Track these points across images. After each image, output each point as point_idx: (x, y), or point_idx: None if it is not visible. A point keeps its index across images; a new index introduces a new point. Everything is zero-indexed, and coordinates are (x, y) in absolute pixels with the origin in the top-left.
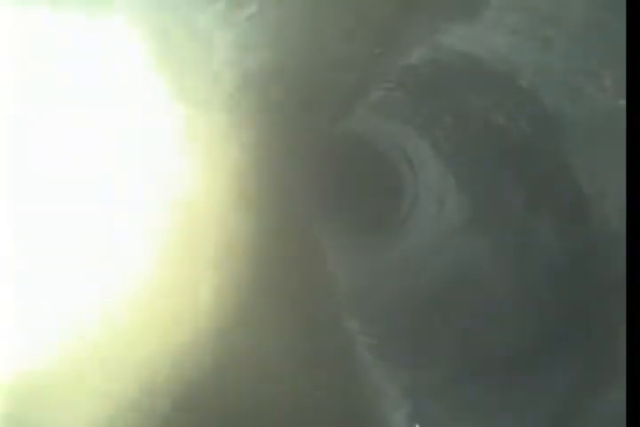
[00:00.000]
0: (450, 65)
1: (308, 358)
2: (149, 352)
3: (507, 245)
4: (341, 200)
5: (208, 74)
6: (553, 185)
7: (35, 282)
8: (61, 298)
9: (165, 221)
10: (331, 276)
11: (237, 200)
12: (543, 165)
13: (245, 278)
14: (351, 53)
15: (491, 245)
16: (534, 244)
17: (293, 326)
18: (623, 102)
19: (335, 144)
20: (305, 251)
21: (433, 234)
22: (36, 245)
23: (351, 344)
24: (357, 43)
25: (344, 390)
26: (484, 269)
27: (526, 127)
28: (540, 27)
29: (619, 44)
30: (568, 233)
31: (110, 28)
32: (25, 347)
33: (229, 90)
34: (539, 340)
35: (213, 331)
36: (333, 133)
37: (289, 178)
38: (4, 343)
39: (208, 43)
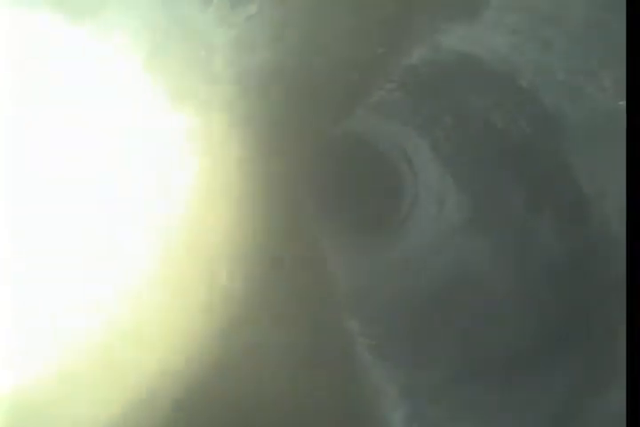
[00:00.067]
0: (450, 65)
1: (308, 358)
2: (149, 353)
3: (507, 245)
4: (341, 200)
5: (208, 74)
6: (553, 185)
7: (34, 282)
8: (61, 298)
9: (165, 221)
10: (331, 276)
11: (237, 200)
12: (543, 165)
13: (245, 278)
14: (352, 53)
15: (491, 245)
16: (534, 244)
17: (294, 325)
18: (623, 102)
19: (335, 144)
20: (305, 251)
21: (433, 234)
22: (35, 246)
23: (351, 344)
24: (358, 43)
25: (344, 390)
26: (483, 270)
27: (526, 127)
28: (540, 27)
29: (619, 44)
30: (568, 233)
31: (110, 28)
32: (23, 348)
33: (229, 90)
34: (539, 340)
35: (214, 331)
36: (333, 133)
37: (289, 178)
38: (2, 344)
39: (208, 43)
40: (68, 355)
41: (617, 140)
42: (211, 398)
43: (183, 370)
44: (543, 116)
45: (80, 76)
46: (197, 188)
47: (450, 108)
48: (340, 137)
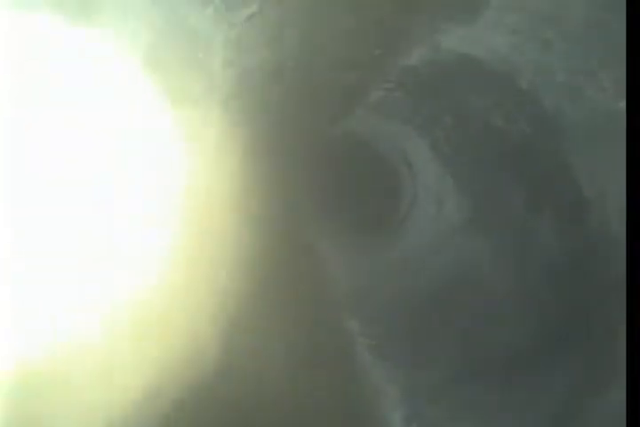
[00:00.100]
0: (450, 65)
1: (308, 358)
2: (150, 353)
3: (507, 246)
4: (341, 200)
5: (207, 74)
6: (553, 185)
7: (34, 283)
8: (61, 298)
9: (165, 221)
10: (330, 276)
11: (237, 200)
12: (543, 166)
13: (245, 279)
14: (349, 54)
15: (490, 246)
16: (534, 244)
17: (294, 326)
18: (623, 103)
19: (335, 144)
20: (305, 251)
21: (432, 234)
22: (35, 247)
23: (351, 344)
24: (357, 43)
25: (344, 390)
26: (483, 270)
27: (526, 128)
28: (540, 27)
29: (619, 44)
30: (568, 233)
31: (109, 28)
32: (23, 348)
33: (228, 90)
34: (539, 340)
35: (214, 331)
36: (333, 133)
37: (289, 178)
38: (3, 344)
39: (207, 43)
40: (67, 355)
41: (617, 140)
42: (211, 398)
43: (183, 370)
44: (543, 117)
45: (79, 77)
46: (196, 188)
47: (450, 108)
48: (340, 137)
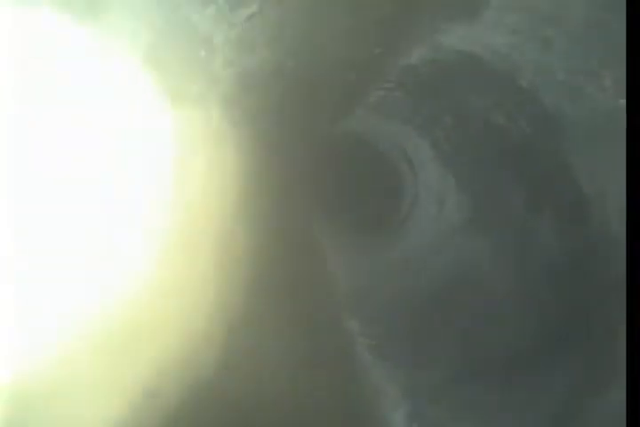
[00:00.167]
0: (450, 65)
1: (308, 358)
2: (149, 353)
3: (507, 245)
4: (341, 200)
5: (207, 74)
6: (553, 185)
7: (35, 282)
8: (61, 298)
9: (165, 221)
10: (331, 276)
11: (237, 200)
12: (543, 165)
13: (245, 279)
14: (351, 53)
15: (491, 245)
16: (534, 244)
17: (293, 326)
18: (623, 102)
19: (335, 144)
20: (305, 251)
21: (433, 234)
22: (36, 246)
23: (351, 344)
24: (357, 43)
25: (344, 390)
26: (483, 270)
27: (526, 127)
28: (540, 27)
29: (619, 44)
30: (568, 233)
31: (110, 28)
32: (25, 347)
33: (229, 90)
34: (539, 340)
35: (214, 331)
36: (333, 133)
37: (289, 178)
38: (4, 343)
39: (208, 43)
40: (68, 354)
41: (617, 140)
42: (211, 398)
43: (183, 371)
44: (543, 116)
45: (81, 76)
46: (197, 188)
47: (450, 108)
48: (340, 137)
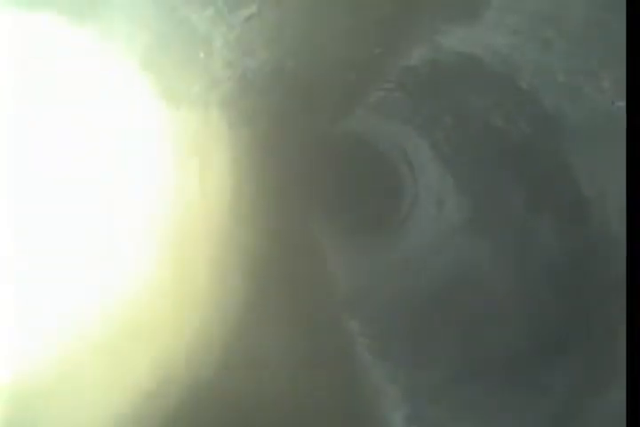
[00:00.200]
0: (450, 65)
1: (308, 358)
2: (149, 353)
3: (507, 245)
4: (341, 200)
5: (207, 75)
6: (553, 185)
7: (35, 282)
8: (61, 298)
9: (164, 221)
10: (331, 276)
11: (237, 200)
12: (543, 166)
13: (245, 279)
14: (351, 53)
15: (491, 245)
16: (534, 244)
17: (293, 326)
18: (623, 103)
19: (335, 144)
20: (305, 251)
21: (433, 234)
22: (36, 246)
23: (351, 344)
24: (357, 43)
25: (344, 390)
26: (483, 269)
27: (526, 128)
28: (540, 27)
29: (619, 44)
30: (568, 233)
31: (109, 29)
32: (25, 347)
33: (228, 90)
34: (539, 340)
35: (213, 331)
36: (333, 133)
37: (289, 178)
38: (4, 343)
39: (207, 43)
40: (68, 354)
41: (617, 140)
42: (211, 398)
43: (184, 371)
44: (543, 117)
45: (80, 77)
46: (196, 188)
47: (450, 108)
48: (340, 137)
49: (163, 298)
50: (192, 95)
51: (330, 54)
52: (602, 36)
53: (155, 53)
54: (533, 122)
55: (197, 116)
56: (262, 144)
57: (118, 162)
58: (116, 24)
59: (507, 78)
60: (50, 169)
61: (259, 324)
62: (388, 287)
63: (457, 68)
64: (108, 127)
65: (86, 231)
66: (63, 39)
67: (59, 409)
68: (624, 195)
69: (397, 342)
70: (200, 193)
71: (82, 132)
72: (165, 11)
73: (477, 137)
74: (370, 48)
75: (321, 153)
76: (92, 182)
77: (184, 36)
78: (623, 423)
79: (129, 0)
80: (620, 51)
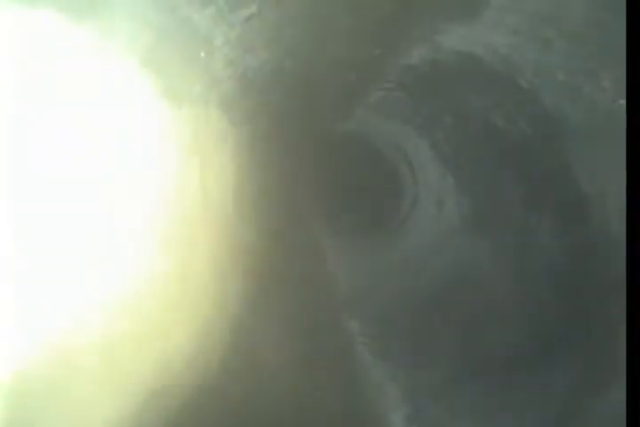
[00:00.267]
0: (450, 65)
1: (308, 358)
2: (149, 353)
3: (507, 245)
4: (341, 200)
5: (207, 74)
6: (553, 185)
7: (35, 282)
8: (61, 298)
9: (164, 221)
10: (331, 276)
11: (237, 200)
12: (543, 166)
13: (245, 279)
14: (351, 53)
15: (491, 245)
16: (534, 244)
17: (294, 326)
18: (623, 102)
19: (335, 144)
20: (305, 251)
21: (433, 234)
22: (36, 246)
23: (351, 344)
24: (357, 43)
25: (344, 390)
26: (483, 269)
27: (526, 127)
28: (540, 27)
29: (619, 44)
30: (568, 233)
31: (110, 27)
32: (25, 347)
33: (229, 90)
34: (539, 340)
35: (214, 331)
36: (333, 133)
37: (289, 178)
38: (4, 343)
39: (208, 43)
40: (68, 354)
41: (617, 140)
42: (212, 398)
43: (184, 371)
44: (543, 117)
45: (80, 76)
46: (196, 188)
47: (450, 108)
48: (340, 137)
49: (163, 298)
50: (193, 94)
51: (330, 54)
52: (602, 36)
53: (155, 52)
54: (533, 122)
55: (198, 115)
56: (263, 143)
57: (118, 162)
58: (117, 23)
59: (507, 78)
60: (50, 169)
61: (259, 324)
62: (387, 287)
63: (457, 67)
64: (109, 127)
65: (86, 231)
66: (63, 38)
67: (58, 409)
68: (624, 195)
69: (397, 342)
70: (201, 193)
71: (82, 131)
72: (166, 10)
73: (477, 137)
74: (370, 48)
75: (321, 153)
76: (92, 182)
77: (185, 35)
78: (623, 423)
79: None
80: (620, 51)
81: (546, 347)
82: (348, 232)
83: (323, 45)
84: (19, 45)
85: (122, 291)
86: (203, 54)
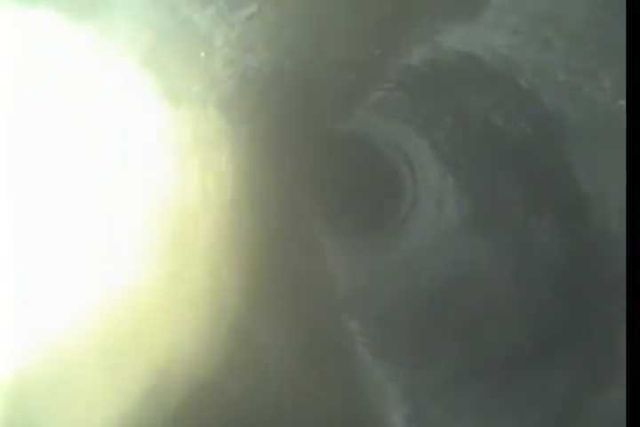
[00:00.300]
0: (450, 65)
1: (308, 358)
2: (149, 353)
3: (507, 245)
4: (341, 200)
5: (207, 74)
6: (553, 185)
7: (35, 282)
8: (61, 298)
9: (164, 221)
10: (331, 276)
11: (237, 200)
12: (543, 166)
13: (245, 279)
14: (351, 53)
15: (491, 245)
16: (534, 244)
17: (293, 326)
18: (623, 102)
19: (335, 144)
20: (305, 251)
21: (433, 234)
22: (36, 246)
23: (351, 344)
24: (357, 43)
25: (344, 390)
26: (483, 269)
27: (526, 127)
28: (540, 27)
29: (619, 44)
30: (568, 233)
31: (110, 27)
32: (25, 347)
33: (229, 90)
34: (539, 340)
35: (213, 331)
36: (333, 133)
37: (289, 178)
38: (4, 343)
39: (208, 43)
40: (68, 354)
41: (617, 140)
42: (211, 398)
43: (184, 371)
44: (543, 117)
45: (80, 76)
46: (196, 188)
47: (450, 108)
48: (340, 137)
49: (162, 298)
50: (192, 94)
51: (330, 54)
52: (602, 36)
53: (155, 52)
54: (533, 122)
55: (197, 115)
56: (262, 143)
57: (118, 162)
58: (117, 23)
59: (507, 78)
60: (50, 169)
61: (259, 324)
62: (387, 287)
63: (457, 67)
64: (108, 127)
65: (86, 231)
66: (63, 38)
67: (58, 409)
68: (624, 195)
69: (397, 342)
70: (200, 192)
71: (82, 131)
72: (166, 10)
73: (477, 137)
74: (370, 48)
75: (321, 153)
76: (91, 182)
77: (185, 35)
78: (623, 423)
79: None
80: (620, 51)
81: (546, 347)
82: (348, 232)
83: (323, 45)
84: (19, 45)
85: (122, 291)
86: (203, 54)
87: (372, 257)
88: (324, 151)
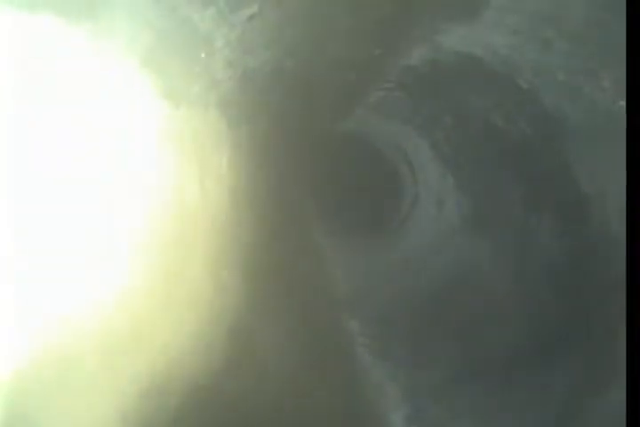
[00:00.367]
0: (450, 65)
1: (308, 358)
2: (149, 353)
3: (507, 245)
4: (341, 200)
5: (208, 75)
6: (553, 185)
7: (35, 282)
8: (61, 298)
9: (164, 221)
10: (331, 276)
11: (237, 200)
12: (543, 166)
13: (245, 279)
14: (351, 53)
15: (491, 245)
16: (534, 244)
17: (294, 326)
18: (623, 102)
19: (335, 144)
20: (305, 251)
21: (433, 234)
22: (36, 246)
23: (351, 344)
24: (357, 43)
25: (344, 390)
26: (483, 270)
27: (526, 127)
28: (540, 27)
29: (619, 44)
30: (568, 233)
31: (110, 28)
32: (25, 347)
33: (229, 90)
34: (539, 340)
35: (213, 331)
36: (333, 133)
37: (289, 178)
38: (4, 343)
39: (208, 43)
40: (68, 354)
41: (617, 140)
42: (211, 398)
43: (184, 371)
44: (543, 117)
45: (80, 76)
46: (195, 188)
47: (450, 108)
48: (340, 137)
49: (162, 298)
50: (192, 95)
51: (330, 54)
52: (602, 36)
53: (156, 53)
54: (533, 122)
55: (197, 115)
56: (262, 144)
57: (118, 162)
58: (117, 23)
59: (507, 78)
60: (50, 169)
61: (258, 324)
62: (387, 287)
63: (457, 67)
64: (108, 127)
65: (86, 231)
66: (64, 38)
67: (58, 409)
68: (624, 195)
69: (397, 342)
70: (199, 193)
71: (82, 132)
72: (167, 10)
73: (477, 137)
74: (370, 48)
75: (321, 153)
76: (91, 182)
77: (185, 35)
78: (623, 423)
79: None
80: (620, 51)
81: (546, 347)
82: (347, 232)
83: (323, 45)
84: (19, 45)
85: (121, 291)
86: (203, 55)
87: (372, 257)
88: (324, 151)
